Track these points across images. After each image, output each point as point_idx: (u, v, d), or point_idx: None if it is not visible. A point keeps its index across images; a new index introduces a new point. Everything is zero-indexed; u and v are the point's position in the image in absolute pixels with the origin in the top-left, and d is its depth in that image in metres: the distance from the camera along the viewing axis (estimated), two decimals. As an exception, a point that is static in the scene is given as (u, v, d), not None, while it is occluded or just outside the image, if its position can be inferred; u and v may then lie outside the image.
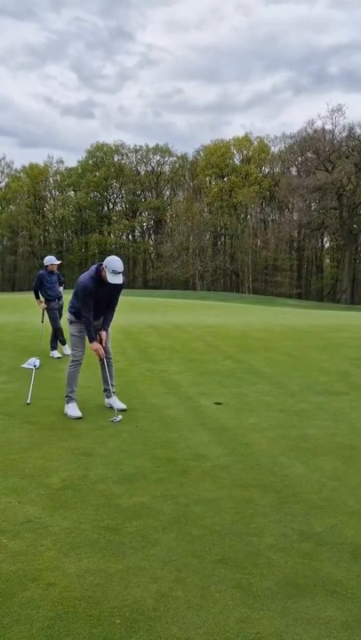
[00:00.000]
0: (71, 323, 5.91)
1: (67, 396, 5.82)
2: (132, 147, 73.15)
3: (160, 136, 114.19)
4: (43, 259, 10.15)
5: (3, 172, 73.45)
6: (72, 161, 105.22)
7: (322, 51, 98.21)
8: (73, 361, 5.86)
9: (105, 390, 6.11)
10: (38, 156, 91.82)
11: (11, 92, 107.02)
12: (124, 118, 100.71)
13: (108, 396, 6.07)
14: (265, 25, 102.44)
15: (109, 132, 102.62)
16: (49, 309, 9.33)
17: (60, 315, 9.61)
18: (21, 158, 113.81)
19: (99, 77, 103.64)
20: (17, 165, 74.17)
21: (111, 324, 6.03)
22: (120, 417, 5.58)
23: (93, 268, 5.72)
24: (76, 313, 5.80)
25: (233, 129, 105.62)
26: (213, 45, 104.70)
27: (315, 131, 59.72)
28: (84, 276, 5.69)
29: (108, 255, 5.86)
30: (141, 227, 74.93)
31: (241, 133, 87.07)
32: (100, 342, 5.79)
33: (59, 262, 9.50)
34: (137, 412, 5.83)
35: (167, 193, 75.83)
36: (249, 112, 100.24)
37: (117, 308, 6.05)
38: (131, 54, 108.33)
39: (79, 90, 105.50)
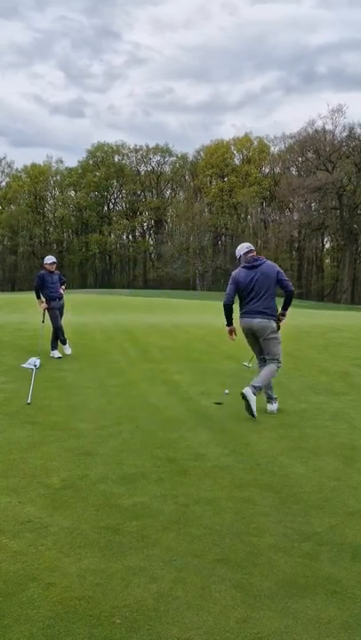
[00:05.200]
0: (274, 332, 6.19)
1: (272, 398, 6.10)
2: (132, 147, 73.29)
3: (151, 135, 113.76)
4: (43, 258, 10.13)
5: (3, 172, 73.57)
6: (65, 160, 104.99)
7: (310, 50, 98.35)
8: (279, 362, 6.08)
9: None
10: (31, 156, 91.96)
11: (0, 91, 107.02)
12: (114, 117, 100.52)
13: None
14: (253, 25, 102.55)
15: (101, 130, 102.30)
16: (50, 309, 9.35)
17: (61, 314, 9.61)
18: (13, 158, 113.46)
19: (87, 76, 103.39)
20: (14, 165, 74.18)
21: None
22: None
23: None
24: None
25: (225, 128, 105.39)
26: (202, 45, 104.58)
27: (315, 131, 59.72)
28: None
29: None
30: (142, 227, 74.90)
31: (233, 133, 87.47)
32: None
33: (49, 262, 9.46)
34: (137, 412, 5.84)
35: (167, 193, 75.84)
36: (240, 112, 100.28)
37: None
38: (118, 53, 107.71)
39: (68, 89, 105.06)
